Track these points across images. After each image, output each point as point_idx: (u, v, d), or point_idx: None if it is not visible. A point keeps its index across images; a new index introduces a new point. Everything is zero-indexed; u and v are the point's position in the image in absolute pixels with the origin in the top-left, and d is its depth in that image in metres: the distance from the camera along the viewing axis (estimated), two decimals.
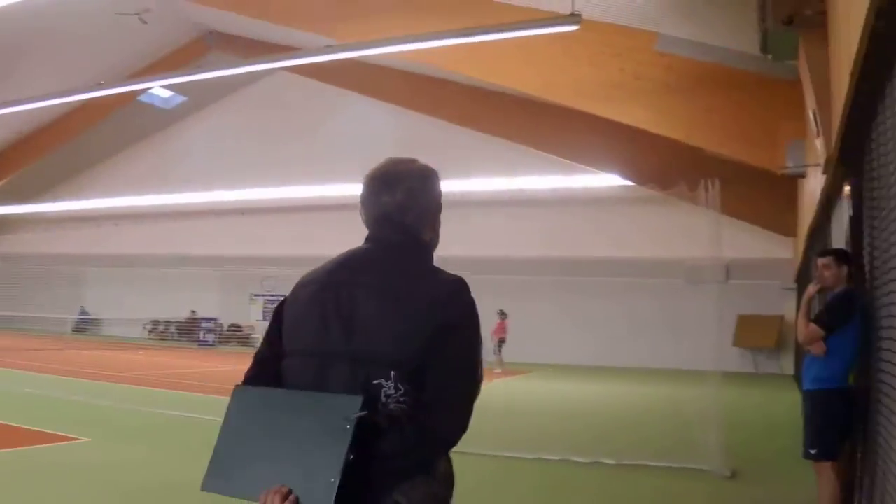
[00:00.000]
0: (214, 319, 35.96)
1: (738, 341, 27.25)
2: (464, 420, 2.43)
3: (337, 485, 2.16)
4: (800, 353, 14.57)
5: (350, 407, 2.24)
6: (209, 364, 24.74)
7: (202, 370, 22.37)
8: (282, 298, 2.93)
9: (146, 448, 10.27)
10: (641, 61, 18.66)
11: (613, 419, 14.48)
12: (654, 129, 21.78)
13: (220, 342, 35.75)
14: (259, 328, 36.41)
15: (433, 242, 2.74)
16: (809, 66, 11.38)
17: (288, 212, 34.34)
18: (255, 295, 36.93)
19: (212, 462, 2.47)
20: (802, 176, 16.99)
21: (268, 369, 2.68)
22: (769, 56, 14.05)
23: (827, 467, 6.19)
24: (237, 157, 35.01)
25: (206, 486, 2.45)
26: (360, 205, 2.77)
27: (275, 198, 34.37)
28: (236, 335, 36.56)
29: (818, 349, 6.29)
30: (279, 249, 34.19)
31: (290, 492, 2.21)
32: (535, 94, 23.28)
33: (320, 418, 2.29)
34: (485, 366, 2.56)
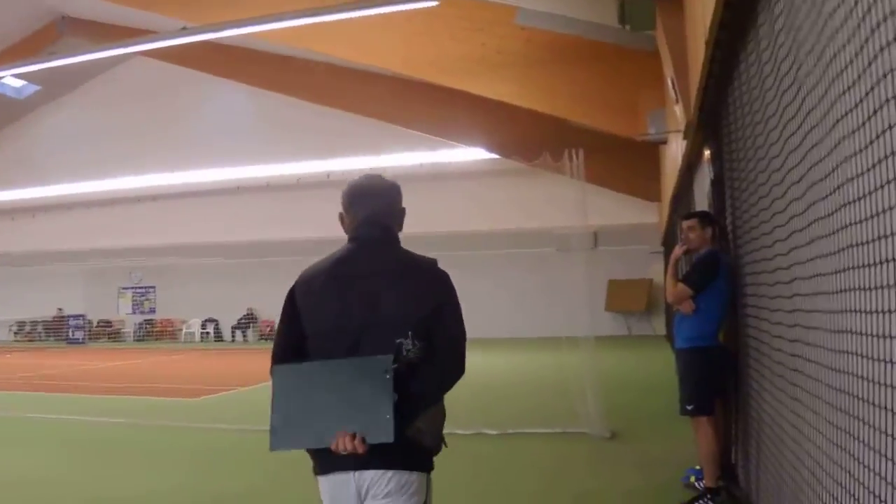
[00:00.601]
0: (82, 316, 34.85)
1: (610, 306, 27.85)
2: (463, 365, 3.28)
3: (393, 419, 2.93)
4: (670, 314, 14.94)
5: (385, 363, 3.00)
6: (80, 362, 24.04)
7: (73, 369, 21.73)
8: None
9: (16, 453, 9.96)
10: (502, 35, 18.77)
11: (493, 390, 14.62)
12: (517, 102, 21.98)
13: (90, 339, 34.62)
14: (129, 322, 35.60)
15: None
16: (666, 35, 11.64)
17: (152, 200, 33.44)
18: (124, 288, 36.06)
19: (272, 428, 3.16)
20: (664, 142, 17.38)
21: (292, 348, 3.33)
22: (627, 27, 14.31)
23: (704, 422, 6.39)
24: (97, 147, 33.76)
25: (273, 447, 3.19)
26: (342, 213, 3.66)
27: (137, 186, 33.39)
28: (106, 331, 35.55)
29: (687, 308, 6.47)
30: (146, 239, 33.46)
31: (355, 434, 2.95)
32: (397, 70, 23.23)
33: (362, 375, 3.03)
34: None
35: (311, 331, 3.28)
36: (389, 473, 3.08)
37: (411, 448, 3.11)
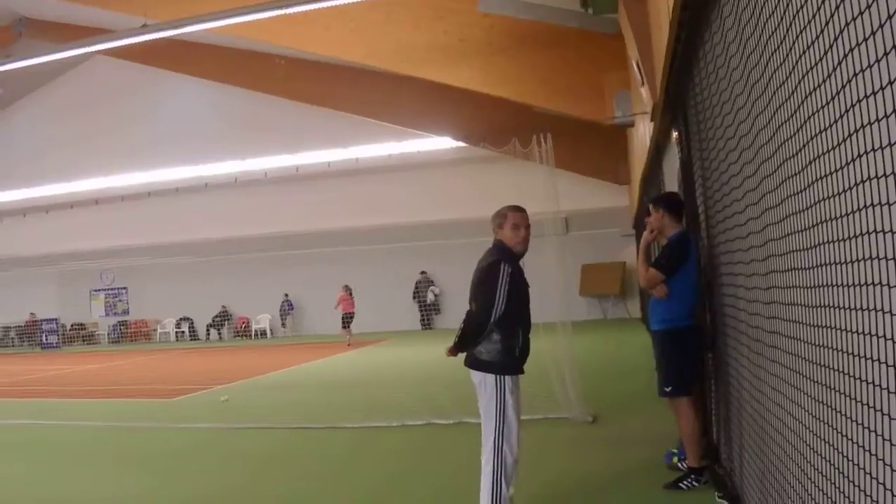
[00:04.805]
0: (55, 320, 34.62)
1: (584, 290, 27.92)
2: (483, 318, 5.46)
3: (452, 344, 5.70)
4: (645, 297, 14.98)
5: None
6: (55, 367, 23.86)
7: (47, 374, 21.55)
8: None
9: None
10: (464, 23, 18.77)
11: (470, 381, 14.63)
12: (481, 89, 21.99)
13: (64, 343, 34.41)
14: (102, 324, 35.34)
15: (507, 240, 5.74)
16: (629, 17, 11.65)
17: (121, 201, 33.18)
18: (95, 290, 35.80)
19: None
20: (631, 125, 17.44)
21: None
22: (590, 10, 14.33)
23: (683, 402, 6.41)
24: (61, 149, 33.60)
25: None
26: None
27: (105, 187, 33.26)
28: (80, 334, 35.26)
29: (660, 292, 6.48)
30: (116, 240, 33.27)
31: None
32: (360, 61, 23.17)
33: None
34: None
35: None
36: (471, 371, 5.63)
37: (476, 359, 5.56)
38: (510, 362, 5.53)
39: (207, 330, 33.63)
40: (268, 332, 32.83)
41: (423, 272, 30.74)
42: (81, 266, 34.09)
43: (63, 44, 20.46)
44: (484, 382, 5.52)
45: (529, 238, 5.86)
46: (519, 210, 5.88)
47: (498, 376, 5.48)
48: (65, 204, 33.64)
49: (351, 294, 25.45)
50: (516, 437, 5.55)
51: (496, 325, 5.48)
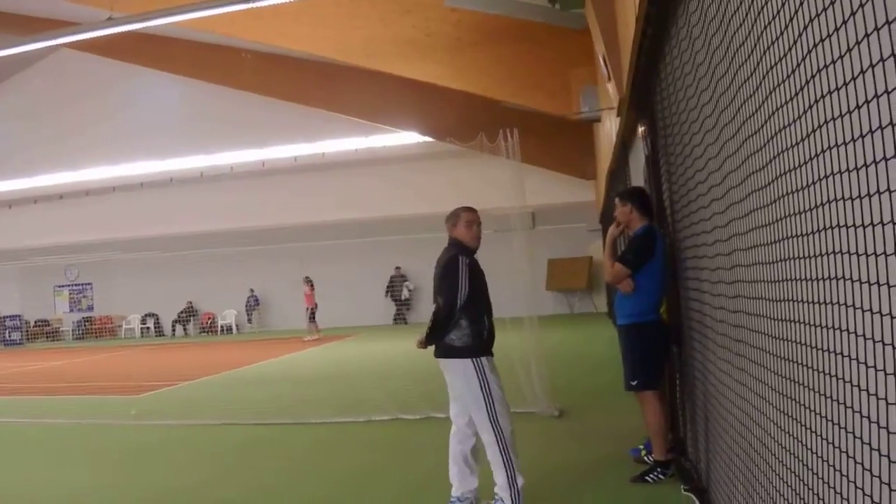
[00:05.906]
0: (18, 316, 34.26)
1: (551, 285, 27.99)
2: (448, 310, 5.87)
3: (424, 336, 6.01)
4: (612, 291, 15.03)
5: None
6: (18, 364, 23.61)
7: (12, 371, 21.32)
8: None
9: None
10: (432, 17, 18.73)
11: (438, 375, 14.64)
12: (448, 84, 22.00)
13: (27, 340, 34.09)
14: (67, 321, 35.01)
15: (462, 237, 6.19)
16: (596, 12, 11.67)
17: (85, 195, 32.89)
18: (59, 286, 35.47)
19: None
20: (597, 120, 17.48)
21: None
22: (557, 5, 14.34)
23: (649, 396, 6.43)
24: (23, 143, 33.13)
25: None
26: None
27: (69, 182, 32.92)
28: (44, 330, 34.93)
29: (626, 287, 6.48)
30: (80, 235, 32.91)
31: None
32: (328, 56, 23.12)
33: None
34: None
35: None
36: (441, 360, 6.07)
37: (448, 347, 5.96)
38: (481, 345, 5.97)
39: (173, 326, 33.44)
40: (234, 327, 32.72)
41: (397, 267, 30.72)
42: (45, 262, 33.71)
43: (27, 36, 20.17)
44: (462, 369, 5.94)
45: (481, 234, 6.35)
46: (472, 210, 6.39)
47: (475, 359, 5.90)
48: (28, 199, 33.30)
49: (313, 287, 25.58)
50: (507, 411, 6.03)
51: (462, 313, 5.93)
